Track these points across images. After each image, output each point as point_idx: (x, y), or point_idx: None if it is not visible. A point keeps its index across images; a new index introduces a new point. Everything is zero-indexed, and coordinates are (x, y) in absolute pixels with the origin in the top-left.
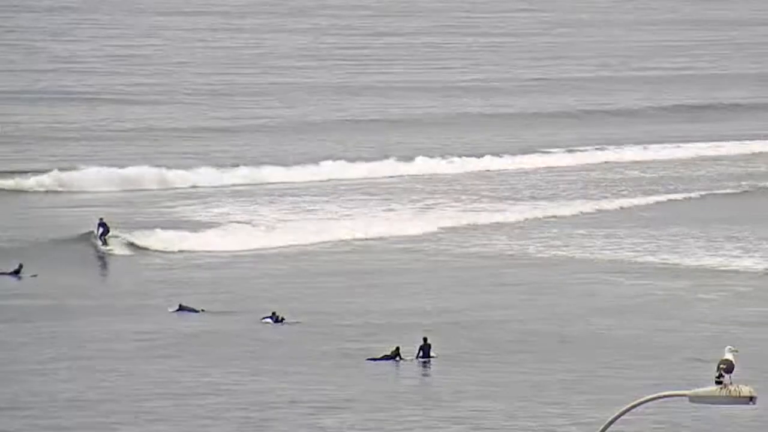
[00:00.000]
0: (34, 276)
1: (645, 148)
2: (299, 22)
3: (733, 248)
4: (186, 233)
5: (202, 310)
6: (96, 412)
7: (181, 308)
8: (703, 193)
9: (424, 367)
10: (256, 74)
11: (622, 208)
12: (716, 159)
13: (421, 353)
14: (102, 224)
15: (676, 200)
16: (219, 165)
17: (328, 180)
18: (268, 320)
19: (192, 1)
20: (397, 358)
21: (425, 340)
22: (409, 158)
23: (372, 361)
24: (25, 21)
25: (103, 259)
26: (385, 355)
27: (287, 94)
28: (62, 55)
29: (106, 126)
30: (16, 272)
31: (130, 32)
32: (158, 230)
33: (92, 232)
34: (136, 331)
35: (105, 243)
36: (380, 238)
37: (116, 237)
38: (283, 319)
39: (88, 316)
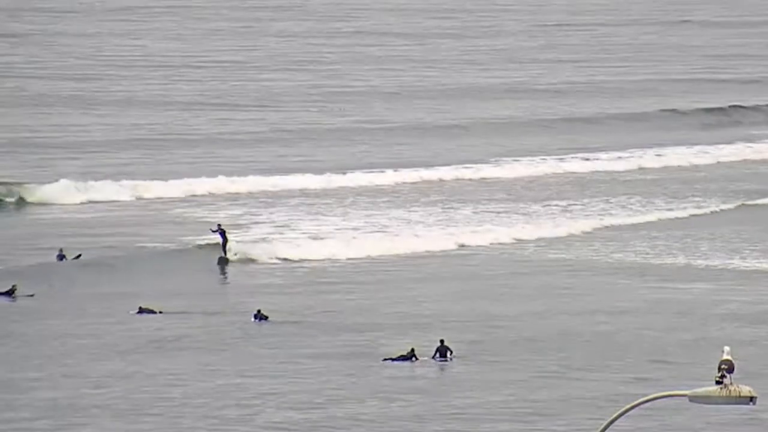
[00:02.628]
0: (78, 257)
1: (659, 155)
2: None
3: (755, 251)
4: (300, 242)
5: (160, 312)
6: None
7: (141, 310)
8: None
9: (440, 367)
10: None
11: (631, 212)
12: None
13: (437, 354)
14: (221, 232)
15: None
16: (295, 170)
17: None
18: (253, 319)
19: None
20: (413, 359)
21: (442, 342)
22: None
23: (389, 361)
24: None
25: (221, 267)
26: (401, 356)
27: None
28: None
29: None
30: (61, 256)
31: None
32: (274, 239)
33: (210, 242)
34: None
35: (224, 251)
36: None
37: (235, 245)
38: (266, 317)
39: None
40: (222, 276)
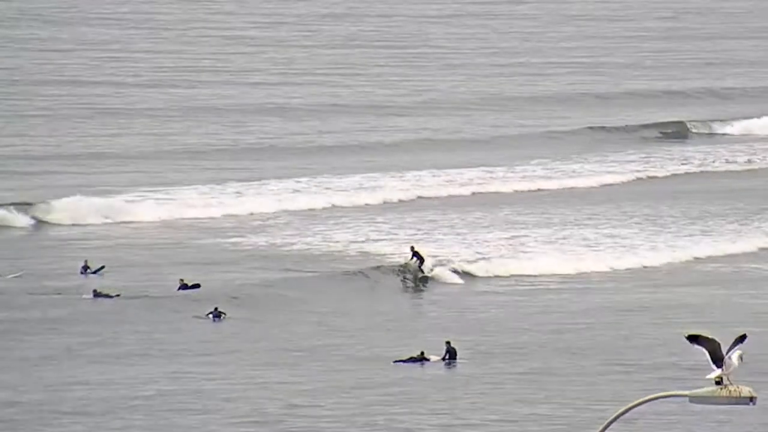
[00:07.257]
0: (101, 268)
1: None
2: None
3: None
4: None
5: (117, 295)
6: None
7: (96, 294)
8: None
9: (448, 369)
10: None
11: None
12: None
13: (447, 356)
14: (415, 254)
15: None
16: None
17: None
18: (210, 316)
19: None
20: (423, 362)
21: (448, 343)
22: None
23: (400, 363)
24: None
25: (421, 286)
26: (411, 357)
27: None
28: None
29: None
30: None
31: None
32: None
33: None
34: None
35: (422, 271)
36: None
37: (437, 265)
38: (223, 314)
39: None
40: (419, 297)
